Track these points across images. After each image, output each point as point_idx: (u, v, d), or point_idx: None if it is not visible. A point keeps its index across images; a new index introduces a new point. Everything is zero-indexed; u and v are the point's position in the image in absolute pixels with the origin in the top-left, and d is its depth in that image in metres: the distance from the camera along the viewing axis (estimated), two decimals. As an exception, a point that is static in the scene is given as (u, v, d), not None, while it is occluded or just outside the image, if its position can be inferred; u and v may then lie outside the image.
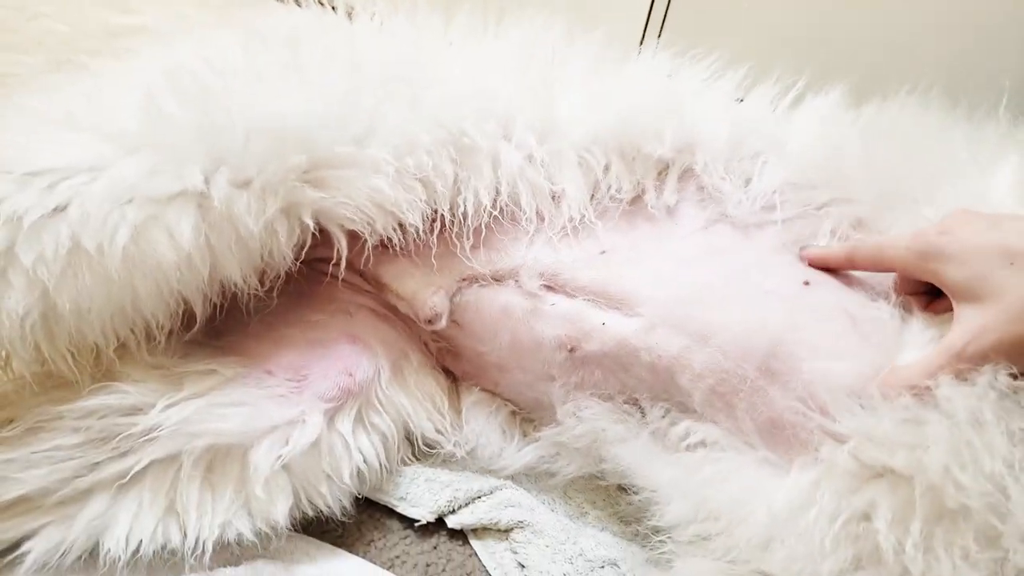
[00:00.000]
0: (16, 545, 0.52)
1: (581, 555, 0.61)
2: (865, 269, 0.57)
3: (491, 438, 0.69)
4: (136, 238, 0.53)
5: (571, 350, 0.62)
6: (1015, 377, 0.45)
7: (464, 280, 0.66)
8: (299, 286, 0.66)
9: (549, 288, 0.64)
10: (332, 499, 0.59)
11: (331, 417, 0.60)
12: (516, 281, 0.64)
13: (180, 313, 0.58)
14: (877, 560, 0.45)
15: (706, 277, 0.61)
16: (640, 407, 0.62)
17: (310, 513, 0.59)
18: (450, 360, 0.72)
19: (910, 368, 0.50)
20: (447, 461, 0.69)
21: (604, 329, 0.61)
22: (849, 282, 0.58)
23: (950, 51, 0.90)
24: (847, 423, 0.50)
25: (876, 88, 0.69)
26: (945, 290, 0.51)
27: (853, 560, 0.46)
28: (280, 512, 0.56)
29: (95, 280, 0.53)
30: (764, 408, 0.55)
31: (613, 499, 0.68)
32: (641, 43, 1.01)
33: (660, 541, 0.57)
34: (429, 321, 0.66)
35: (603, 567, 0.61)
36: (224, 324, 0.64)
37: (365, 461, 0.61)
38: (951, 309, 0.50)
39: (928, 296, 0.55)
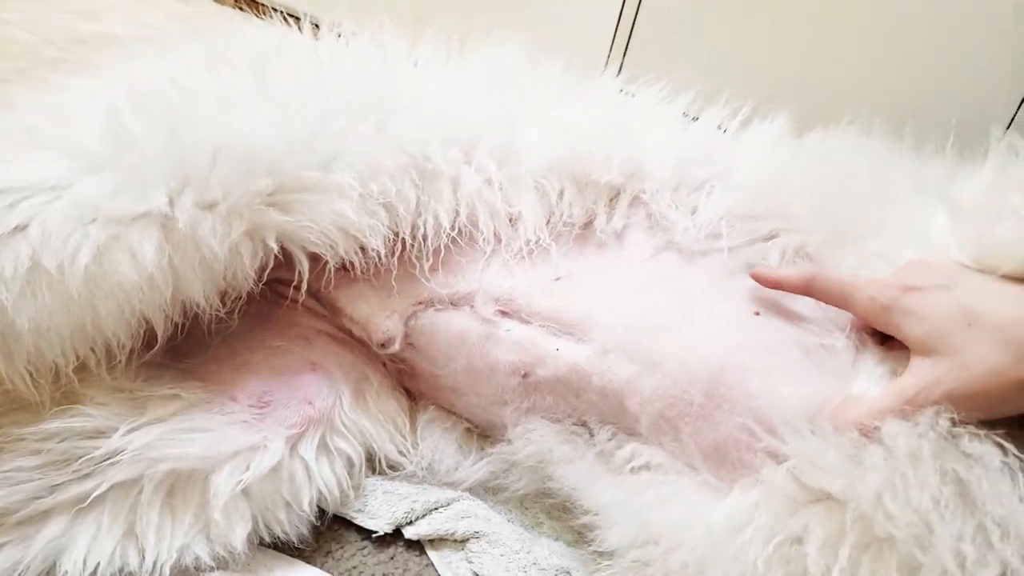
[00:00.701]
0: (-29, 565, 0.52)
1: (535, 564, 0.62)
2: (822, 300, 0.58)
3: (447, 453, 0.69)
4: (98, 258, 0.52)
5: (524, 375, 0.63)
6: (955, 423, 0.47)
7: (420, 304, 0.66)
8: (259, 308, 0.66)
9: (504, 314, 0.64)
10: (290, 525, 0.59)
11: (293, 444, 0.60)
12: (471, 306, 0.65)
13: (141, 333, 0.57)
14: None
15: (655, 304, 0.62)
16: (588, 428, 0.63)
17: (267, 539, 0.59)
18: (407, 380, 0.72)
19: (860, 406, 0.51)
20: (407, 477, 0.69)
21: (557, 355, 0.62)
22: (800, 314, 0.59)
23: (899, 84, 0.92)
24: (793, 444, 0.51)
25: (825, 114, 0.70)
26: (904, 341, 0.52)
27: None
28: (238, 537, 0.56)
29: (55, 299, 0.52)
30: (709, 432, 0.57)
31: (568, 510, 0.67)
32: (606, 63, 1.03)
33: (605, 565, 0.58)
34: (382, 345, 0.67)
35: (557, 574, 0.62)
36: (186, 346, 0.64)
37: (327, 488, 0.61)
38: (905, 348, 0.52)
39: (883, 336, 0.56)
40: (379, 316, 0.66)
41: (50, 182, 0.53)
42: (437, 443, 0.69)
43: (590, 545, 0.60)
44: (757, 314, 0.60)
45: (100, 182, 0.54)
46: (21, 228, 0.51)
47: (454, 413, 0.71)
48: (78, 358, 0.55)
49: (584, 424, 0.63)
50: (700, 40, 0.98)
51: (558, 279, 0.65)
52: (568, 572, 0.62)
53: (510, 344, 0.63)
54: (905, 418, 0.48)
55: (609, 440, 0.62)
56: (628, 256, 0.66)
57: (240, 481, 0.56)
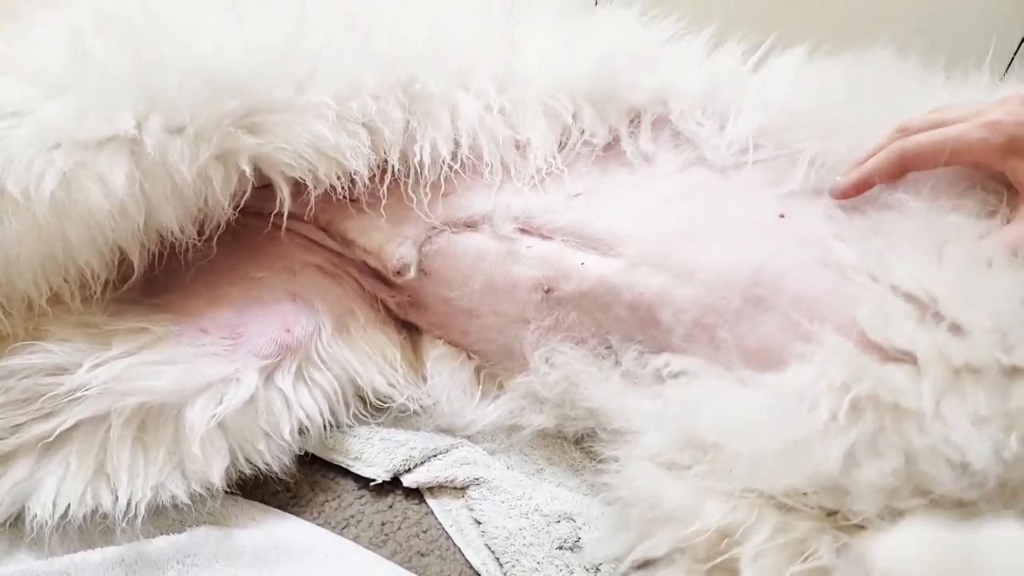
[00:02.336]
0: (-67, 513, 0.48)
1: (537, 510, 0.58)
2: (923, 169, 0.52)
3: (454, 394, 0.65)
4: (65, 184, 0.50)
5: (547, 291, 0.60)
6: None
7: (434, 228, 0.63)
8: (246, 241, 0.63)
9: (524, 231, 0.62)
10: (271, 456, 0.55)
11: (268, 374, 0.56)
12: (490, 225, 0.62)
13: (116, 263, 0.54)
14: (879, 450, 0.44)
15: (685, 214, 0.60)
16: (613, 350, 0.59)
17: (247, 472, 0.54)
18: (414, 313, 0.68)
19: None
20: (401, 419, 0.65)
21: (583, 269, 0.59)
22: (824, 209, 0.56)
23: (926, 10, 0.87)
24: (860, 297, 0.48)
25: (838, 48, 0.66)
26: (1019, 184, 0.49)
27: (855, 447, 0.44)
28: (216, 472, 0.51)
29: (23, 226, 0.49)
30: (751, 332, 0.53)
31: (568, 453, 0.65)
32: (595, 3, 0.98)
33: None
34: (398, 272, 0.64)
35: (559, 521, 0.58)
36: (164, 281, 0.60)
37: (308, 417, 0.57)
38: None
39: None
40: (392, 244, 0.63)
41: (11, 107, 0.50)
42: (446, 383, 0.65)
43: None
44: (782, 216, 0.57)
45: (64, 106, 0.51)
46: (-18, 154, 0.49)
47: (465, 345, 0.67)
48: (51, 289, 0.52)
49: (608, 345, 0.60)
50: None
51: (578, 195, 0.62)
52: (571, 517, 0.58)
53: (531, 260, 0.61)
54: None
55: (636, 359, 0.58)
56: (655, 171, 0.63)
57: (214, 415, 0.52)
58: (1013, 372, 0.42)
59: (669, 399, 0.53)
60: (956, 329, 0.45)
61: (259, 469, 0.54)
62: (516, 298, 0.61)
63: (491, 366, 0.67)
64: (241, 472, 0.54)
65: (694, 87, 0.64)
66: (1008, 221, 0.50)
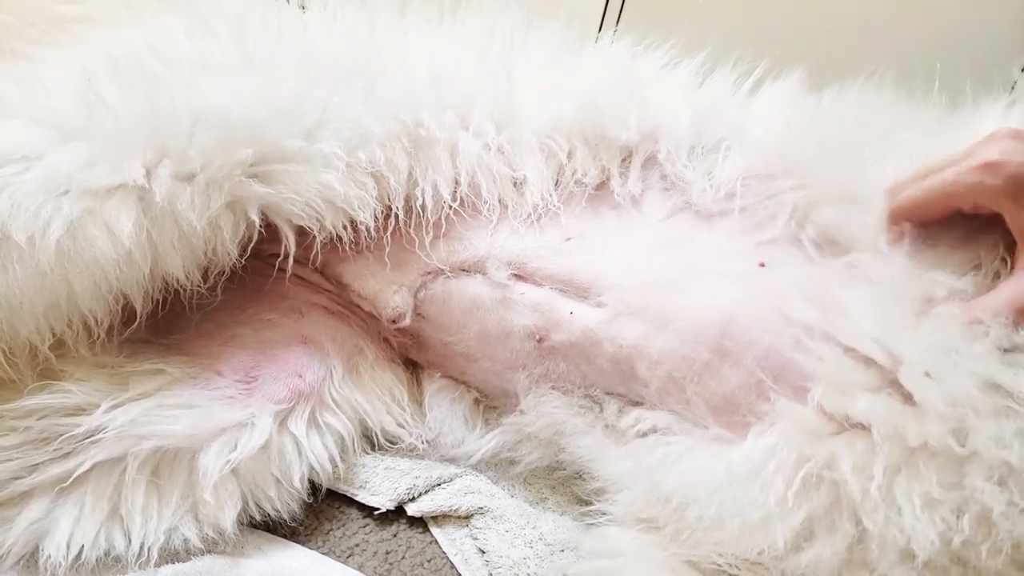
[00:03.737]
0: (-52, 549, 0.48)
1: (541, 539, 0.59)
2: (917, 222, 0.51)
3: (454, 426, 0.66)
4: (72, 232, 0.49)
5: (539, 340, 0.60)
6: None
7: (428, 274, 0.63)
8: (251, 282, 0.63)
9: (518, 277, 0.62)
10: (280, 503, 0.55)
11: (282, 420, 0.57)
12: (483, 273, 0.62)
13: (120, 309, 0.54)
14: (831, 526, 0.45)
15: (667, 264, 0.60)
16: (597, 402, 0.60)
17: (258, 517, 0.55)
18: (415, 351, 0.69)
19: (975, 303, 0.46)
20: (407, 451, 0.66)
21: (572, 319, 0.59)
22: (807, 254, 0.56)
23: (912, 35, 0.88)
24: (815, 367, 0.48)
25: (835, 72, 0.66)
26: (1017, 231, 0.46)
27: (806, 523, 0.45)
28: (228, 517, 0.52)
29: (26, 274, 0.49)
30: (717, 387, 0.54)
31: (572, 484, 0.65)
32: (599, 31, 0.98)
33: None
34: (393, 321, 0.64)
35: (563, 551, 0.58)
36: (172, 321, 0.60)
37: (319, 464, 0.58)
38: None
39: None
40: (387, 291, 0.63)
41: (21, 151, 0.49)
42: (444, 415, 0.66)
43: (595, 520, 0.57)
44: (762, 265, 0.57)
45: (73, 152, 0.50)
46: (-11, 199, 0.48)
47: (464, 382, 0.68)
48: (54, 335, 0.52)
49: (592, 397, 0.61)
50: (693, 7, 0.94)
51: (569, 239, 0.62)
52: (575, 547, 0.59)
53: (524, 308, 0.60)
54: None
55: (617, 412, 0.59)
56: (642, 216, 0.63)
57: (228, 461, 0.52)
58: (968, 456, 0.42)
59: (641, 457, 0.54)
60: (912, 404, 0.44)
61: (268, 515, 0.55)
62: (510, 346, 0.62)
63: (488, 401, 0.67)
64: (251, 516, 0.55)
65: (680, 124, 0.63)
66: (997, 275, 0.47)
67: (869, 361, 0.47)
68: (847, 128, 0.61)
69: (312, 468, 0.58)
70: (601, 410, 0.60)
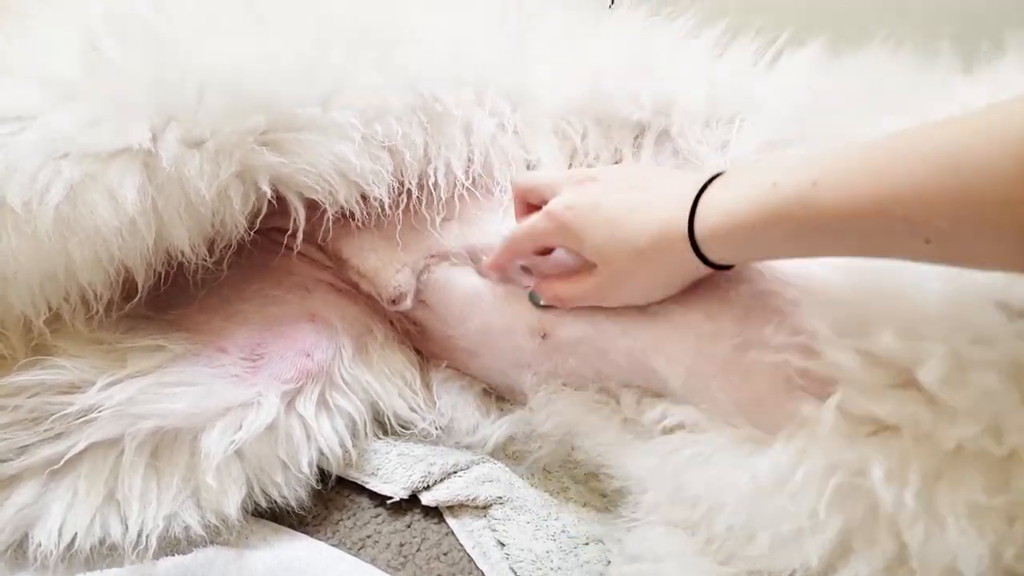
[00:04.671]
0: (-70, 536, 0.44)
1: (564, 531, 0.55)
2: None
3: (466, 412, 0.62)
4: (72, 198, 0.46)
5: (543, 336, 0.57)
6: None
7: (433, 256, 0.60)
8: (255, 257, 0.59)
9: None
10: (288, 489, 0.52)
11: (290, 400, 0.54)
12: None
13: (120, 282, 0.50)
14: (868, 540, 0.41)
15: None
16: (613, 395, 0.57)
17: (263, 504, 0.52)
18: (419, 340, 0.65)
19: None
20: (421, 437, 0.62)
21: (578, 313, 0.56)
22: None
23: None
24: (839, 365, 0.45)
25: (857, 39, 0.63)
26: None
27: (841, 537, 0.42)
28: (232, 503, 0.49)
29: (22, 242, 0.46)
30: (743, 384, 0.50)
31: (594, 474, 0.61)
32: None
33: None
34: (393, 301, 0.60)
35: (587, 544, 0.55)
36: (172, 295, 0.57)
37: (327, 447, 0.54)
38: None
39: None
40: (389, 269, 0.60)
41: (14, 111, 0.46)
42: (455, 401, 0.62)
43: (620, 515, 0.54)
44: None
45: (74, 112, 0.47)
46: (-19, 161, 0.44)
47: (469, 375, 0.64)
48: (50, 309, 0.48)
49: (607, 391, 0.57)
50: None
51: None
52: (600, 540, 0.55)
53: (528, 302, 0.57)
54: None
55: (637, 404, 0.55)
56: None
57: (232, 442, 0.49)
58: (1008, 455, 0.39)
59: (666, 455, 0.51)
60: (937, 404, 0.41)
61: (275, 502, 0.52)
62: (513, 342, 0.58)
63: (498, 394, 0.64)
64: (256, 503, 0.52)
65: (695, 100, 0.61)
66: None
67: (889, 363, 0.44)
68: (863, 93, 0.59)
69: (321, 452, 0.54)
70: (618, 403, 0.57)
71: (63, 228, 0.46)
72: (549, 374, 0.58)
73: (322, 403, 0.55)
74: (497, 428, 0.61)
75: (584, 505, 0.59)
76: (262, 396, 0.52)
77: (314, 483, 0.55)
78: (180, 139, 0.48)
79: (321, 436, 0.54)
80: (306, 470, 0.53)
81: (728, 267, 0.49)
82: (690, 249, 0.45)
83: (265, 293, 0.60)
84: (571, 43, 0.65)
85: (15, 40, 0.51)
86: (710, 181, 0.45)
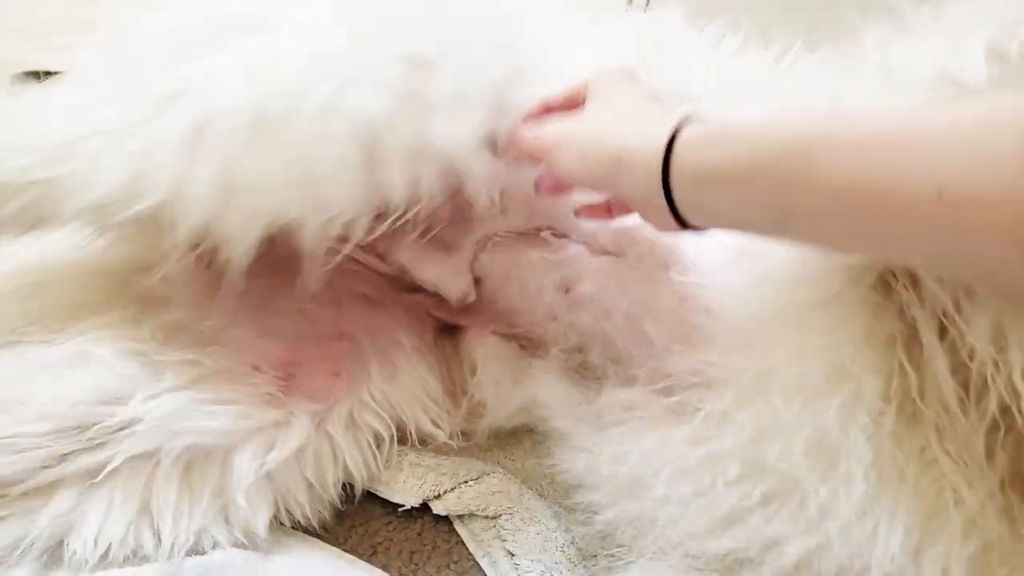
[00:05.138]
0: (-30, 535, 0.45)
1: (572, 543, 0.56)
2: None
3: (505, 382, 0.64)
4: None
5: (567, 291, 0.60)
6: None
7: (479, 243, 0.63)
8: (286, 261, 0.59)
9: (556, 235, 0.62)
10: (311, 509, 0.53)
11: (320, 420, 0.54)
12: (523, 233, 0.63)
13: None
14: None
15: None
16: (598, 376, 0.60)
17: (287, 523, 0.53)
18: (462, 316, 0.67)
19: None
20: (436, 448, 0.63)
21: (593, 268, 0.59)
22: None
23: None
24: None
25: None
26: None
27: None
28: (260, 522, 0.49)
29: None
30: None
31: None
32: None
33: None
34: (460, 300, 0.63)
35: (595, 556, 0.55)
36: (207, 302, 0.57)
37: (354, 466, 0.55)
38: None
39: None
40: (449, 276, 0.62)
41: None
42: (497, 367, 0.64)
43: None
44: None
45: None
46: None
47: (514, 336, 0.66)
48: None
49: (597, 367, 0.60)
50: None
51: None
52: (608, 554, 0.55)
53: (556, 262, 0.61)
54: None
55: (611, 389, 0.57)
56: None
57: (263, 464, 0.50)
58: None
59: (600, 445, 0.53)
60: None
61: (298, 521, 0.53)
62: (544, 300, 0.61)
63: (532, 349, 0.66)
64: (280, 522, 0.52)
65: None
66: None
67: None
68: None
69: (347, 471, 0.55)
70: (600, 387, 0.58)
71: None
72: (570, 327, 0.61)
73: (350, 422, 0.56)
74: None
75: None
76: (293, 417, 0.53)
77: (339, 504, 0.56)
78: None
79: (349, 456, 0.54)
80: (332, 491, 0.54)
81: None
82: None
83: (297, 307, 0.60)
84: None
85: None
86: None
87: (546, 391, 0.60)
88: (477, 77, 0.48)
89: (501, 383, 0.63)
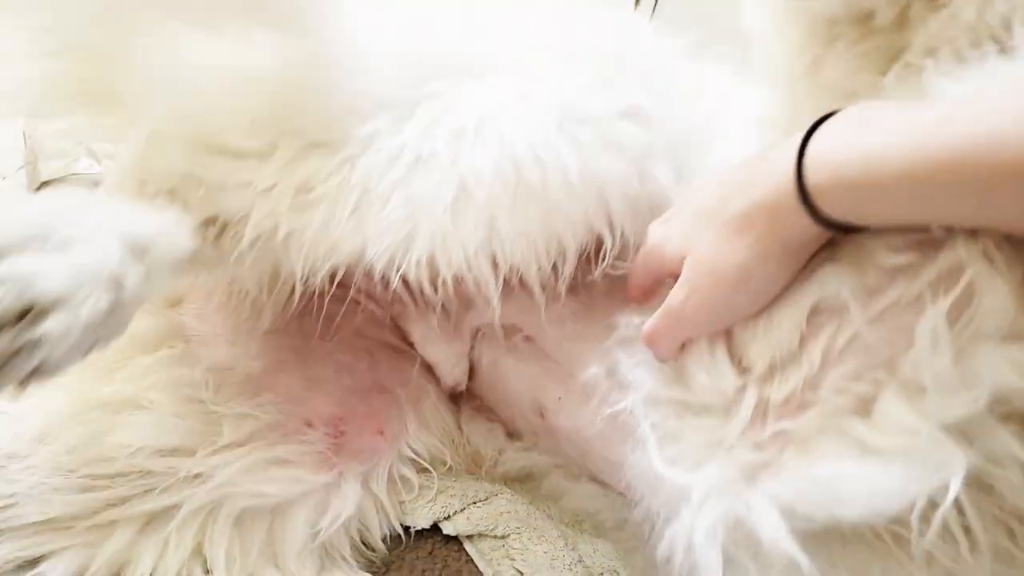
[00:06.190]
0: (34, 563, 0.48)
1: (580, 561, 0.58)
2: None
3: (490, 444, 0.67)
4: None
5: (541, 416, 0.61)
6: None
7: (476, 331, 0.64)
8: (326, 311, 0.60)
9: (528, 339, 0.62)
10: (353, 562, 0.56)
11: (365, 479, 0.58)
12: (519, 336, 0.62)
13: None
14: None
15: None
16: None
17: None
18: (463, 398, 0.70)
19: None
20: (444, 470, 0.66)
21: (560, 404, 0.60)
22: None
23: None
24: None
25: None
26: None
27: None
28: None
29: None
30: None
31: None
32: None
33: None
34: (451, 389, 0.65)
35: (603, 574, 0.58)
36: (250, 342, 0.60)
37: (395, 516, 0.59)
38: None
39: None
40: (448, 362, 0.65)
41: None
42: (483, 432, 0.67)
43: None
44: None
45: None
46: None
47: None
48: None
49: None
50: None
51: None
52: (616, 572, 0.58)
53: (525, 375, 0.62)
54: None
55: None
56: None
57: (316, 532, 0.53)
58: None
59: None
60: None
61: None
62: (524, 414, 0.63)
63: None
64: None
65: None
66: None
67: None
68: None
69: (391, 527, 0.59)
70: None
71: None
72: (546, 449, 0.64)
73: (391, 477, 0.59)
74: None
75: (599, 536, 0.62)
76: (343, 480, 0.56)
77: (379, 561, 0.59)
78: None
79: (390, 508, 0.58)
80: (377, 546, 0.57)
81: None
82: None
83: (336, 358, 0.62)
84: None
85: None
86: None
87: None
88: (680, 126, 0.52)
89: (504, 451, 0.66)
